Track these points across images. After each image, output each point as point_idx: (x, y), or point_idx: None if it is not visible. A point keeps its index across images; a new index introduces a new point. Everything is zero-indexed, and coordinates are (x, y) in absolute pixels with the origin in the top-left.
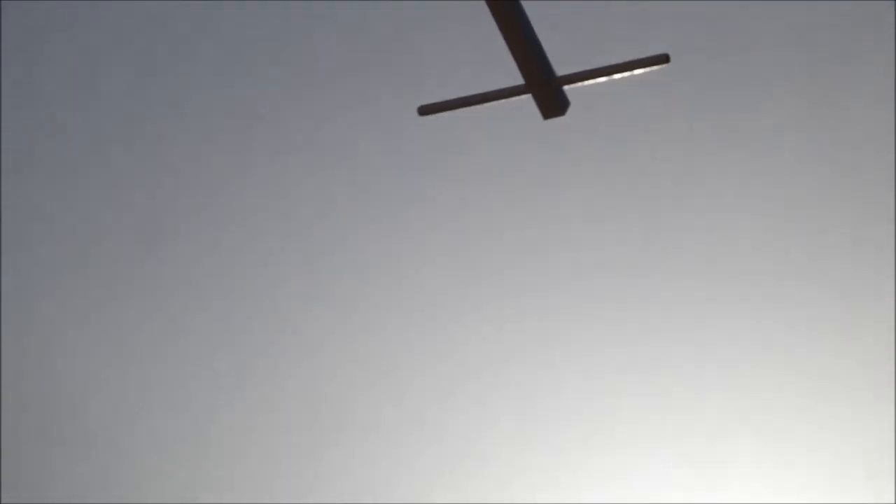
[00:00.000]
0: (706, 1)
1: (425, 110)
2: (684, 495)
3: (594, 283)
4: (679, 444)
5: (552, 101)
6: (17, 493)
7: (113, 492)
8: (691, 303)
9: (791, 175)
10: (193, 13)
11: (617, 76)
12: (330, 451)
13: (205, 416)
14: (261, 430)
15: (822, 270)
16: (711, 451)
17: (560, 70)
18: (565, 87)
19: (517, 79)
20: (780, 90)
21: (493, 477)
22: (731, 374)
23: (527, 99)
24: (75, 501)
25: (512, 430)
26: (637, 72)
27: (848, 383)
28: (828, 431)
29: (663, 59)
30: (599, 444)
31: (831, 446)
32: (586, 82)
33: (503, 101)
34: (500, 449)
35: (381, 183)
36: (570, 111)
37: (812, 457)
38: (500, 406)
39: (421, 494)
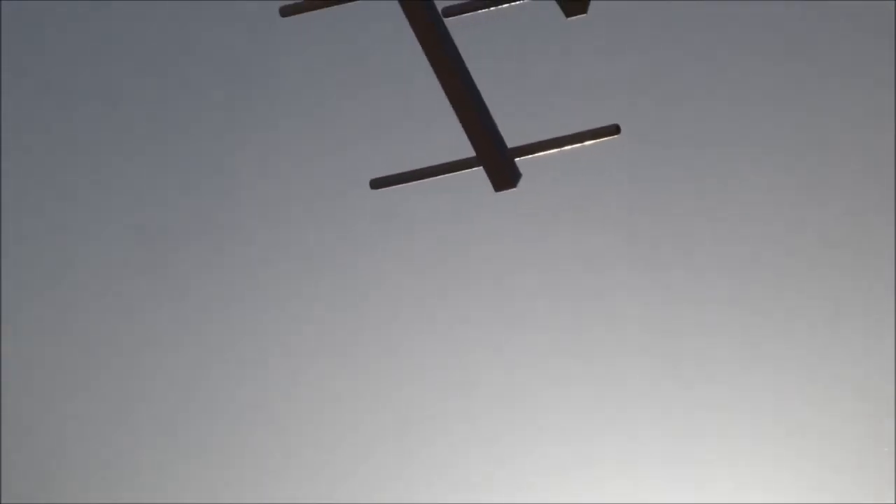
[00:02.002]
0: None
1: (377, 184)
2: (683, 496)
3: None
4: (676, 445)
5: (504, 173)
6: (17, 492)
7: (112, 492)
8: (687, 310)
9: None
10: (195, 14)
11: (567, 147)
12: (326, 455)
13: (205, 418)
14: (257, 434)
15: (819, 268)
16: (711, 453)
17: (512, 141)
18: (517, 159)
19: (469, 150)
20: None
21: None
22: (732, 376)
23: (478, 171)
24: (75, 501)
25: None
26: (588, 143)
27: (848, 383)
28: (828, 431)
29: (614, 129)
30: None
31: (832, 446)
32: (537, 154)
33: (455, 173)
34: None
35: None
36: (521, 182)
37: (812, 457)
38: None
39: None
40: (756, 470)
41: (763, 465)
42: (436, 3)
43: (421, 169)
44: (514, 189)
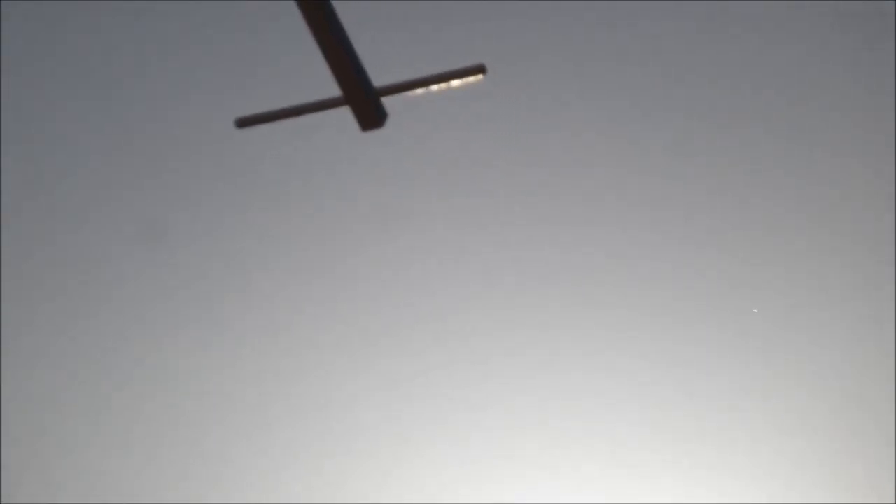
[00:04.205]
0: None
1: (243, 122)
2: (681, 495)
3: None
4: (675, 445)
5: (370, 113)
6: (17, 492)
7: (112, 491)
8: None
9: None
10: (196, 10)
11: (434, 87)
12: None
13: (204, 418)
14: (255, 431)
15: (817, 265)
16: (710, 453)
17: (378, 80)
18: (383, 98)
19: (335, 90)
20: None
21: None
22: (730, 375)
23: (345, 110)
24: (75, 501)
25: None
26: (454, 83)
27: (848, 382)
28: (828, 431)
29: (480, 69)
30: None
31: (831, 446)
32: (404, 94)
33: (321, 112)
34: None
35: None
36: (388, 122)
37: (813, 457)
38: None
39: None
40: (756, 470)
41: (763, 465)
42: None
43: (286, 108)
44: (381, 129)
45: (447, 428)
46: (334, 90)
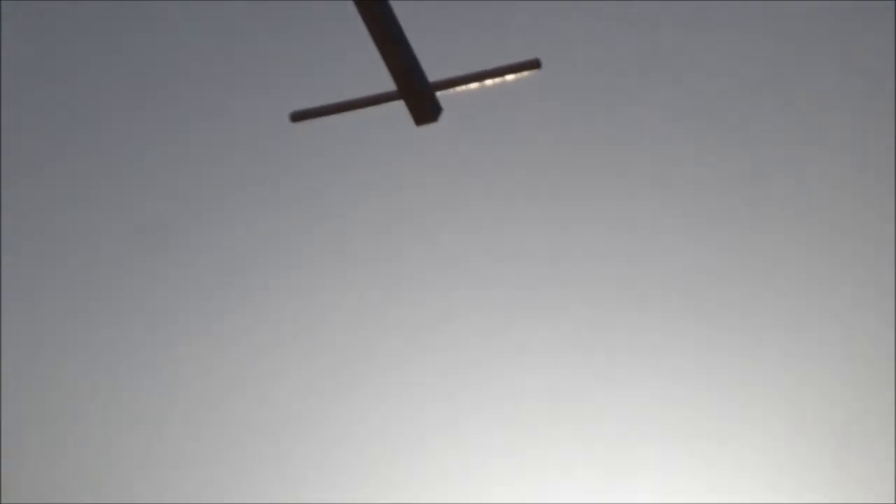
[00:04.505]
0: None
1: (298, 116)
2: (684, 495)
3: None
4: (677, 444)
5: (425, 108)
6: (16, 493)
7: (111, 491)
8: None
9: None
10: (195, 11)
11: (488, 82)
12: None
13: (203, 417)
14: (256, 432)
15: (818, 266)
16: (710, 453)
17: (433, 75)
18: (438, 94)
19: (390, 84)
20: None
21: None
22: (734, 376)
23: (399, 104)
24: (75, 501)
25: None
26: (508, 78)
27: (849, 382)
28: (828, 431)
29: (534, 64)
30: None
31: (832, 446)
32: (458, 88)
33: (376, 107)
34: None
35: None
36: (442, 117)
37: (813, 456)
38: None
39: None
40: (756, 470)
41: (762, 465)
42: None
43: (341, 102)
44: (436, 123)
45: (449, 426)
46: (389, 84)
